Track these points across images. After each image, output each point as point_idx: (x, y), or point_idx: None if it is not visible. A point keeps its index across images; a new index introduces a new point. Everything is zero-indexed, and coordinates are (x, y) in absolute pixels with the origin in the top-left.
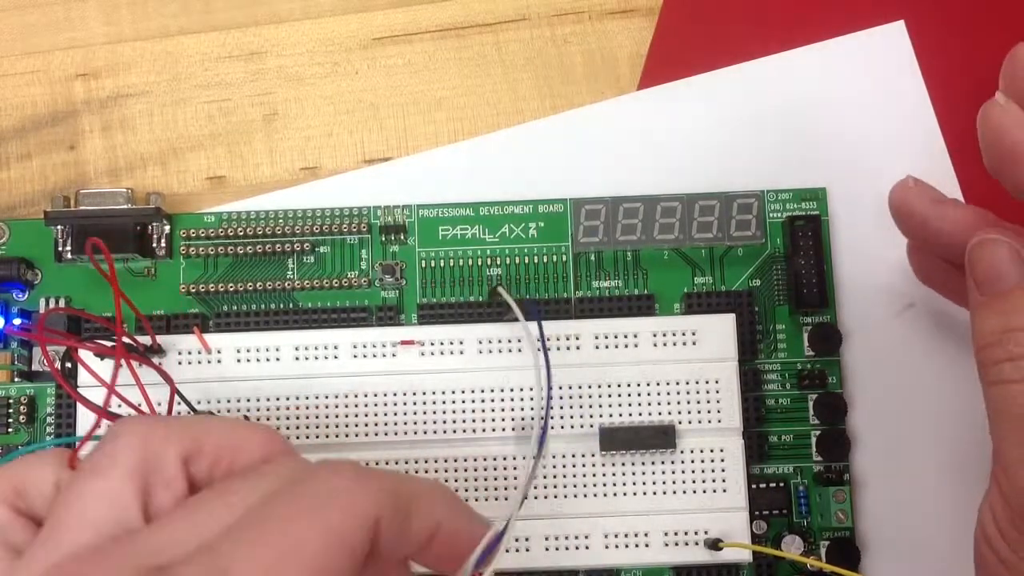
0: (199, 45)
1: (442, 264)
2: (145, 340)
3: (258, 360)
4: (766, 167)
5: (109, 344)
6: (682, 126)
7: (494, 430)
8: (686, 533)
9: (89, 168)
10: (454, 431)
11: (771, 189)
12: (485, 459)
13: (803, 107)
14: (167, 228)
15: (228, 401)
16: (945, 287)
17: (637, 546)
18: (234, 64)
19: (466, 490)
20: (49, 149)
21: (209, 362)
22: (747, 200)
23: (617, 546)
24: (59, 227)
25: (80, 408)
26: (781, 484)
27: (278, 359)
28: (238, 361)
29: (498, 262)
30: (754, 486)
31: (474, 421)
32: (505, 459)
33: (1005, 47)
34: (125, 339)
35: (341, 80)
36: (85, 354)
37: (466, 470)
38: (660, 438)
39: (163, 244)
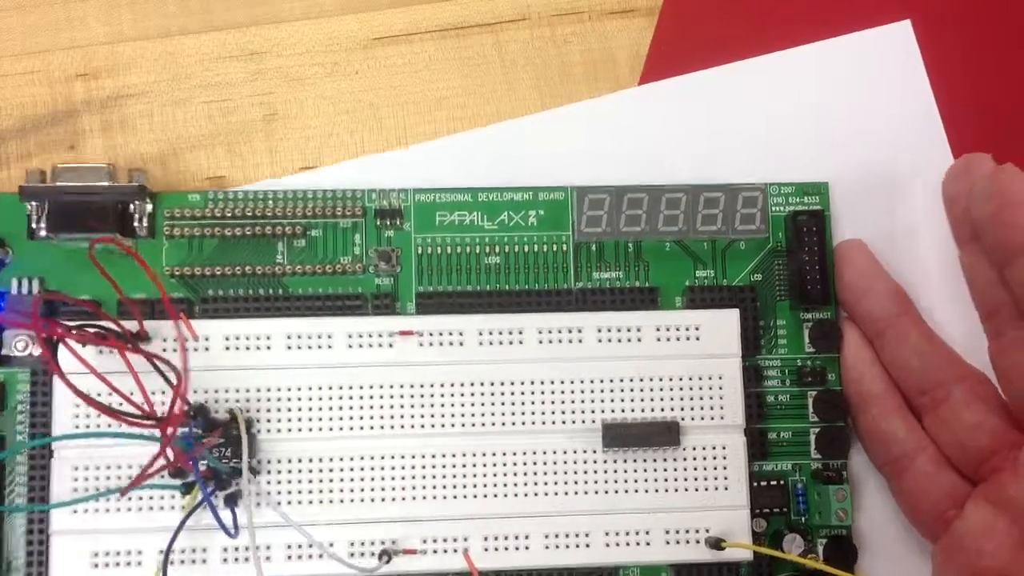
0: (199, 45)
1: (439, 251)
2: (131, 326)
3: (248, 348)
4: (770, 164)
5: (92, 331)
6: (686, 121)
7: (493, 424)
8: (687, 531)
9: None
10: (452, 424)
11: (774, 183)
12: (484, 453)
13: (808, 104)
14: (150, 207)
15: (216, 391)
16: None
17: (638, 544)
18: (234, 64)
19: (464, 485)
20: (49, 149)
21: (197, 350)
22: (752, 193)
23: (618, 544)
24: (34, 203)
25: (57, 396)
26: (780, 481)
27: (269, 348)
28: (227, 349)
29: (496, 250)
30: (754, 484)
31: (472, 415)
32: (504, 453)
33: (1011, 49)
34: (111, 324)
35: (341, 80)
36: (72, 346)
37: (464, 465)
38: (665, 435)
39: (144, 223)
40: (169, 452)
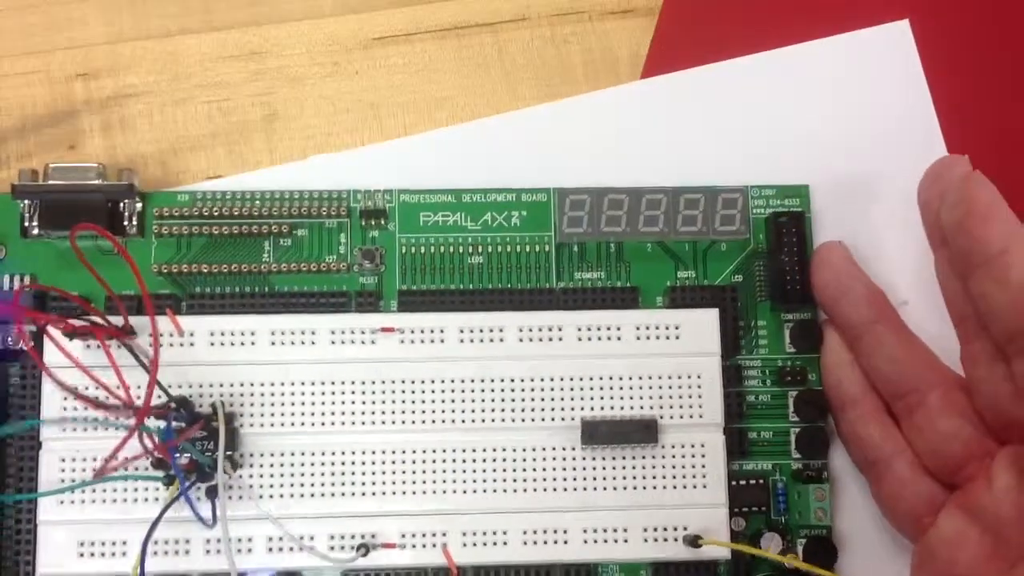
0: (199, 45)
1: (423, 251)
2: (117, 320)
3: (232, 344)
4: (761, 164)
5: (79, 323)
6: (676, 120)
7: (473, 420)
8: (665, 529)
9: None
10: (432, 420)
11: (755, 185)
12: (464, 449)
13: (803, 103)
14: (139, 206)
15: (201, 386)
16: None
17: (616, 541)
18: (234, 64)
19: (443, 480)
20: (49, 149)
21: (182, 345)
22: (732, 195)
23: (596, 541)
24: (26, 202)
25: (45, 389)
26: (760, 480)
27: (253, 343)
28: (212, 345)
29: (479, 250)
30: (733, 483)
31: (453, 411)
32: (484, 449)
33: (1010, 49)
34: (98, 319)
35: (341, 80)
36: (55, 333)
37: (443, 460)
38: (643, 432)
39: (134, 222)
40: (147, 440)
